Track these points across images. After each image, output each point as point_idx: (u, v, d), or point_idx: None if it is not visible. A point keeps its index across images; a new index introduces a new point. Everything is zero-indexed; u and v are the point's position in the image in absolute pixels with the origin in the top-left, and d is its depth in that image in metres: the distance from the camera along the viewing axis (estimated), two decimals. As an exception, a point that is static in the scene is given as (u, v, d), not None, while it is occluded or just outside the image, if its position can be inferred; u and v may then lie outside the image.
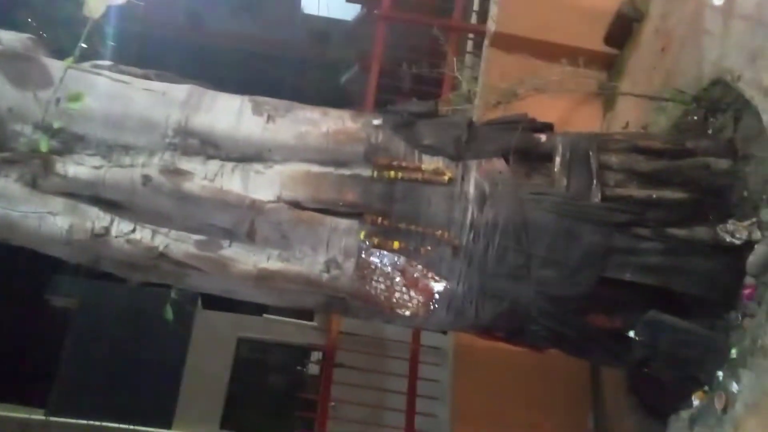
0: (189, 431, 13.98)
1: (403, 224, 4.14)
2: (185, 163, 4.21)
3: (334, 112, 4.42)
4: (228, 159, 4.27)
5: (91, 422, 13.54)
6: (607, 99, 6.27)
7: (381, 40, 6.73)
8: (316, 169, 4.25)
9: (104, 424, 13.56)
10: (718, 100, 4.52)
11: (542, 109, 4.98)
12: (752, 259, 3.85)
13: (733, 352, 3.87)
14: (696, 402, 4.16)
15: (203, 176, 4.17)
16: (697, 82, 4.85)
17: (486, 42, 6.27)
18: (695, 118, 4.80)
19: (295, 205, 4.17)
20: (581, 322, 4.18)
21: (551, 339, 4.27)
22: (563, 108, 5.89)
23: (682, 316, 4.11)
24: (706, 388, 4.08)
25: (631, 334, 4.16)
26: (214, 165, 4.24)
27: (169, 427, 14.00)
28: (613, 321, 4.20)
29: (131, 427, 13.83)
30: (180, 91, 4.34)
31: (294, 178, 4.21)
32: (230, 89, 4.52)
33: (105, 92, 4.26)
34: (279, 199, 4.16)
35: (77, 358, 14.04)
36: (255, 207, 4.12)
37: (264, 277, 4.18)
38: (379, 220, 4.15)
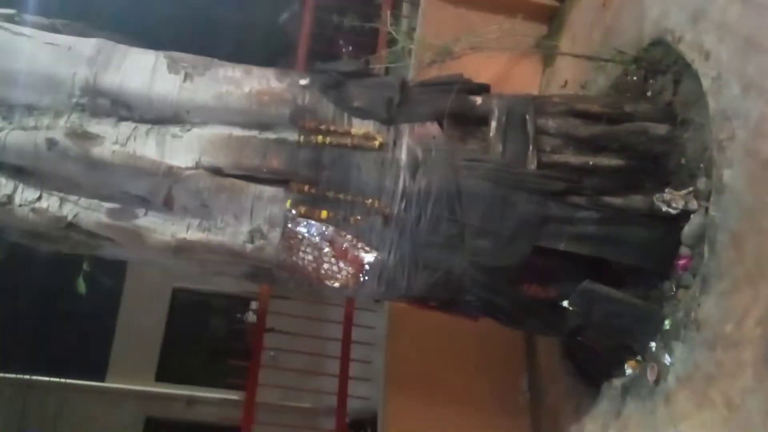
0: (123, 384, 13.72)
1: (332, 192, 3.92)
2: (94, 126, 3.89)
3: (257, 71, 4.12)
4: (142, 121, 3.96)
5: (20, 376, 13.15)
6: (547, 55, 6.09)
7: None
8: (238, 132, 3.97)
9: (34, 377, 13.19)
10: (659, 61, 4.38)
11: (479, 65, 4.79)
12: (687, 230, 3.77)
13: (667, 324, 3.82)
14: (629, 371, 4.13)
15: (114, 140, 3.86)
16: (638, 41, 4.69)
17: (423, -9, 6.00)
18: (635, 78, 4.66)
19: (216, 171, 3.91)
20: (515, 292, 4.07)
21: (485, 309, 4.16)
22: (501, 65, 5.70)
23: (616, 286, 4.04)
24: (639, 357, 4.04)
25: (565, 304, 4.07)
26: (126, 128, 3.92)
27: (102, 380, 13.70)
28: (547, 291, 4.10)
29: (63, 380, 13.50)
30: (88, 45, 3.99)
31: (214, 142, 3.93)
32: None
33: (2, 47, 3.86)
34: (198, 165, 3.89)
35: (4, 310, 13.52)
36: (172, 174, 3.84)
37: (183, 248, 3.94)
38: (306, 188, 3.92)
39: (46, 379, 13.32)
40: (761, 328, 3.10)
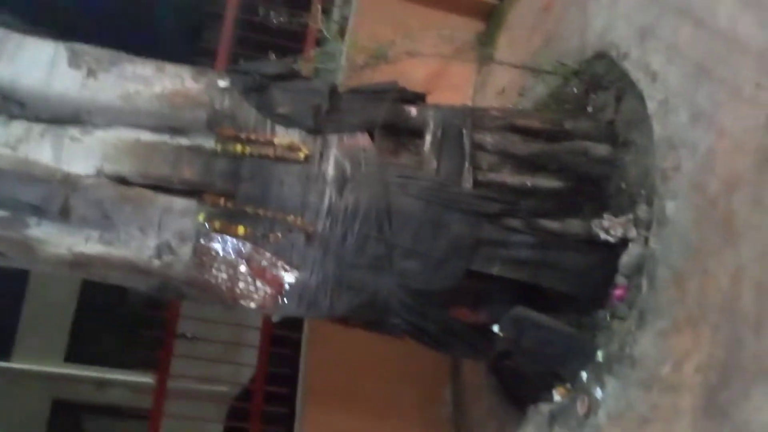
0: (31, 364, 13.03)
1: (250, 207, 3.59)
2: (-20, 124, 3.43)
3: (171, 69, 3.73)
4: (37, 120, 3.54)
5: None
6: (485, 50, 5.84)
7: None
8: (146, 137, 3.59)
9: (-67, 358, 12.40)
10: (601, 76, 4.19)
11: (413, 65, 4.50)
12: (626, 260, 3.60)
13: (599, 355, 3.66)
14: (557, 397, 3.97)
15: (3, 141, 3.43)
16: (580, 52, 4.49)
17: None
18: (575, 90, 4.47)
19: (120, 180, 3.52)
20: (444, 316, 3.85)
21: (411, 332, 3.92)
22: (436, 64, 5.42)
23: (549, 312, 3.85)
24: (569, 385, 3.88)
25: (495, 329, 3.86)
26: (18, 128, 3.49)
27: (8, 359, 12.98)
28: (476, 315, 3.89)
29: (-35, 360, 12.74)
30: (-26, 32, 3.50)
31: (119, 147, 3.53)
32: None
33: None
34: (100, 173, 3.49)
35: None
36: (69, 182, 3.43)
37: (80, 263, 3.55)
38: (222, 201, 3.58)
39: (-52, 359, 12.56)
40: (701, 376, 2.95)
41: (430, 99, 4.23)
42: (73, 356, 13.53)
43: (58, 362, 13.36)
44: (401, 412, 5.49)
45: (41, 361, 13.17)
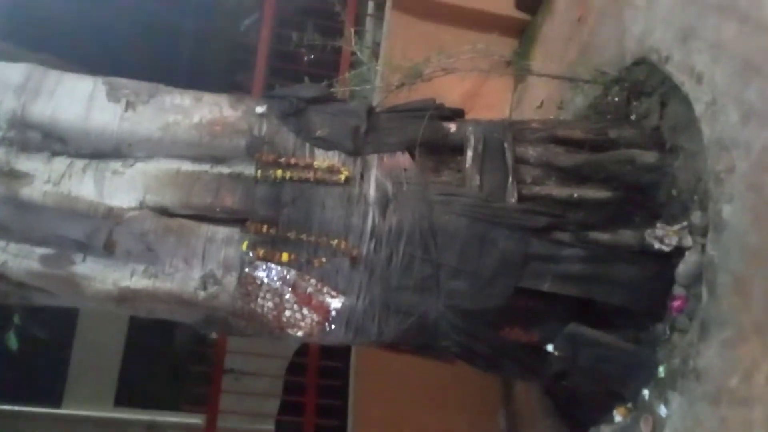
0: (81, 410, 13.09)
1: (293, 233, 3.54)
2: (24, 162, 3.46)
3: (208, 98, 3.73)
4: (78, 155, 3.54)
5: (-30, 406, 12.46)
6: (520, 68, 5.77)
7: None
8: (187, 167, 3.57)
9: (-15, 407, 12.53)
10: (643, 82, 4.08)
11: (449, 83, 4.43)
12: (682, 269, 3.45)
13: (661, 371, 3.50)
14: (618, 418, 3.80)
15: (46, 178, 3.43)
16: (619, 59, 4.39)
17: (388, 4, 5.64)
18: (616, 99, 4.36)
19: (163, 211, 3.50)
20: (495, 337, 3.73)
21: (462, 355, 3.81)
22: (471, 82, 5.36)
23: (604, 328, 3.72)
24: (629, 404, 3.72)
25: (550, 348, 3.73)
26: (60, 164, 3.50)
27: (58, 406, 13.06)
28: (530, 334, 3.76)
29: (17, 408, 12.84)
30: (15, 71, 3.55)
31: (160, 178, 3.52)
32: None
33: None
34: (142, 205, 3.48)
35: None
36: (112, 216, 3.42)
37: (127, 298, 3.52)
38: (265, 228, 3.53)
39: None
40: (773, 386, 2.79)
41: (469, 109, 4.17)
42: (122, 400, 13.54)
43: (108, 407, 13.39)
44: (454, 440, 5.36)
45: (91, 406, 13.21)
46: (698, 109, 3.55)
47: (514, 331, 3.76)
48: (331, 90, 4.04)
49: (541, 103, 5.18)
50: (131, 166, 3.53)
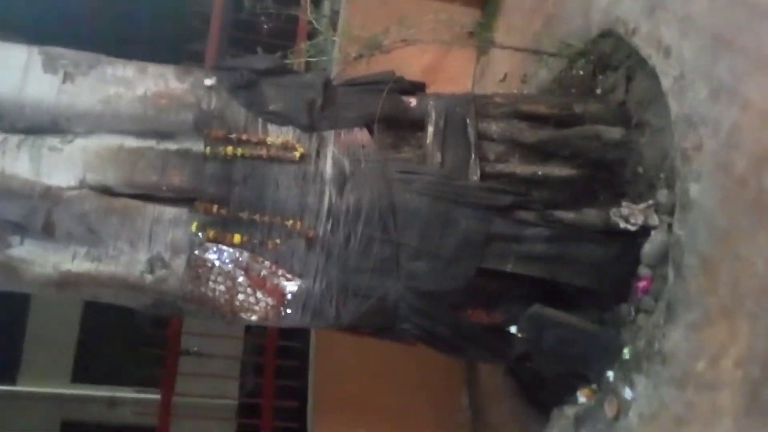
0: (37, 387, 12.79)
1: (246, 213, 3.36)
2: (-48, 138, 3.21)
3: (153, 69, 3.51)
4: (12, 131, 3.31)
5: None
6: (483, 38, 5.61)
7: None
8: (131, 143, 3.36)
9: (-63, 387, 12.17)
10: (609, 55, 3.96)
11: (410, 55, 4.26)
12: (648, 249, 3.36)
13: (626, 352, 3.42)
14: (582, 399, 3.74)
15: (-23, 156, 3.18)
16: (585, 31, 4.25)
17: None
18: (581, 72, 4.24)
19: (105, 190, 3.30)
20: (457, 319, 3.62)
21: (423, 337, 3.69)
22: (432, 53, 5.19)
23: (568, 308, 3.62)
24: (594, 385, 3.65)
25: (513, 330, 3.63)
26: (-8, 140, 3.25)
27: (13, 383, 12.74)
28: (492, 316, 3.66)
29: (-30, 387, 12.51)
30: (-59, 40, 3.28)
31: (101, 155, 3.30)
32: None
33: None
34: (82, 184, 3.26)
35: None
36: (50, 195, 3.21)
37: (68, 282, 3.32)
38: (215, 208, 3.35)
39: (-48, 386, 12.33)
40: (741, 371, 2.71)
41: (428, 91, 4.00)
42: (80, 377, 13.26)
43: (64, 383, 13.10)
44: (417, 420, 5.27)
45: (47, 383, 12.91)
46: (665, 83, 3.44)
47: (476, 312, 3.65)
48: (286, 62, 3.83)
49: (505, 76, 5.04)
50: (70, 142, 3.31)
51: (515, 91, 4.75)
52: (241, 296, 3.42)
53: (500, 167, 3.56)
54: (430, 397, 5.26)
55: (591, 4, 4.25)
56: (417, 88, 3.81)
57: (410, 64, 4.01)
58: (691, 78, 3.25)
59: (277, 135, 3.45)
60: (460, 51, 5.64)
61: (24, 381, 12.86)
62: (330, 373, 5.24)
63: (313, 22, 4.00)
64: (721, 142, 3.03)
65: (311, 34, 4.20)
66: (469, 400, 5.33)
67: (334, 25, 5.28)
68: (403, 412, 5.21)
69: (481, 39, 4.58)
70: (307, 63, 4.14)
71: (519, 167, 3.56)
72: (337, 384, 5.18)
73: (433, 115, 3.62)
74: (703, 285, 2.98)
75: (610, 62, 3.95)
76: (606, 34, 4.04)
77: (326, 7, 5.41)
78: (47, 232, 3.28)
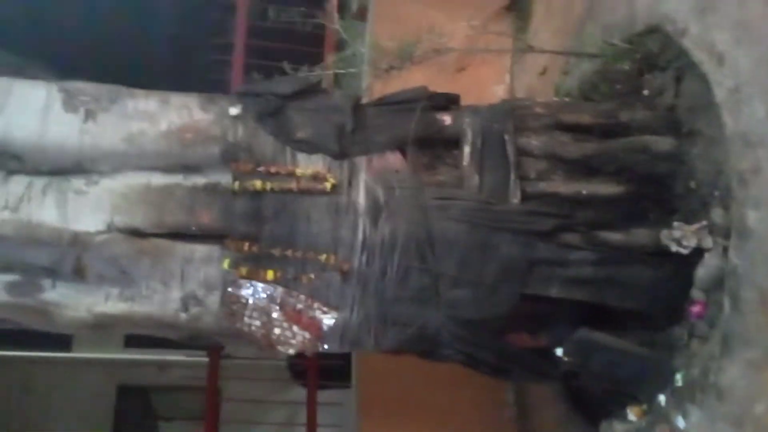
0: (91, 353, 13.12)
1: (278, 249, 3.26)
2: (-23, 186, 3.14)
3: (176, 99, 3.38)
4: (36, 173, 3.23)
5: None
6: (520, 15, 5.31)
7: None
8: (158, 180, 3.26)
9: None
10: (656, 54, 3.69)
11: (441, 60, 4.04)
12: (702, 273, 3.17)
13: (678, 378, 3.27)
14: (632, 417, 3.60)
15: (3, 203, 3.13)
16: (629, 23, 3.97)
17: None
18: (626, 67, 3.97)
19: (134, 232, 3.21)
20: (500, 344, 3.49)
21: (466, 362, 3.58)
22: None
23: (617, 329, 3.47)
24: (645, 406, 3.51)
25: (559, 353, 3.50)
26: (17, 184, 3.19)
27: (69, 350, 13.09)
28: (537, 339, 3.54)
29: (29, 353, 12.87)
30: (-41, 82, 3.19)
31: (128, 197, 3.21)
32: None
33: None
34: (110, 228, 3.18)
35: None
36: (78, 242, 3.14)
37: (103, 324, 3.28)
38: (247, 245, 3.25)
39: (10, 353, 12.70)
40: (804, 421, 2.55)
41: (465, 77, 3.80)
42: (132, 342, 13.55)
43: (118, 348, 13.40)
44: (461, 417, 5.20)
45: (101, 349, 13.22)
46: (719, 94, 3.19)
47: (520, 337, 3.53)
48: (313, 77, 3.65)
49: (544, 69, 4.77)
50: (96, 183, 3.22)
51: (556, 85, 4.48)
52: (277, 330, 3.35)
53: (542, 186, 3.39)
54: (474, 393, 5.17)
55: (634, -6, 3.96)
56: (451, 102, 3.62)
57: (441, 69, 3.79)
58: (748, 92, 3.01)
59: (307, 165, 3.31)
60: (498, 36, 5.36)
61: (79, 348, 13.19)
62: (373, 370, 5.17)
63: (342, 32, 3.79)
64: (783, 168, 2.80)
65: (339, 44, 3.98)
66: (515, 397, 5.23)
67: (363, 14, 5.05)
68: (448, 410, 5.15)
69: (519, 47, 4.31)
70: (336, 77, 3.95)
71: (562, 186, 3.38)
72: (381, 383, 5.12)
73: (470, 133, 3.44)
74: (763, 322, 2.80)
75: (657, 62, 3.69)
76: (652, 30, 3.76)
77: (353, 7, 5.11)
78: (79, 275, 3.23)
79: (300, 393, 6.67)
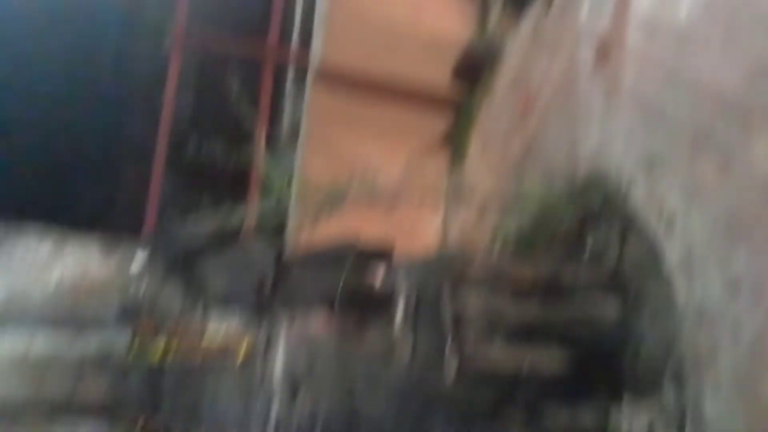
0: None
1: (178, 428, 2.80)
2: None
3: (73, 245, 2.96)
4: None
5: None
6: (455, 154, 5.16)
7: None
8: (38, 346, 2.79)
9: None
10: (599, 210, 3.49)
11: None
12: (656, 463, 2.87)
13: None
14: None
15: None
16: (570, 168, 3.79)
17: (309, 83, 4.92)
18: (567, 220, 3.75)
19: (6, 408, 2.72)
20: None
21: None
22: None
23: None
24: None
25: None
26: None
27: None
28: None
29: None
30: None
31: (2, 365, 2.73)
32: None
33: None
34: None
35: None
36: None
37: None
38: (142, 422, 2.79)
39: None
40: None
41: (398, 214, 3.53)
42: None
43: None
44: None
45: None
46: (669, 260, 2.97)
47: None
48: (234, 219, 3.30)
49: (482, 207, 4.49)
50: (-37, 346, 2.74)
51: (495, 245, 4.20)
52: None
53: (480, 357, 3.06)
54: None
55: (577, 139, 3.81)
56: (385, 255, 3.31)
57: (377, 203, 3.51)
58: (702, 264, 2.79)
59: (218, 327, 2.91)
60: (433, 161, 5.17)
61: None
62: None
63: (268, 175, 3.46)
64: (742, 354, 2.55)
65: (265, 186, 3.63)
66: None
67: (296, 135, 4.80)
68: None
69: (452, 183, 4.09)
70: (259, 222, 3.60)
71: (502, 356, 3.06)
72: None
73: (404, 291, 3.12)
74: None
75: (600, 216, 3.49)
76: (596, 179, 3.58)
77: (286, 121, 4.86)
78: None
79: None
